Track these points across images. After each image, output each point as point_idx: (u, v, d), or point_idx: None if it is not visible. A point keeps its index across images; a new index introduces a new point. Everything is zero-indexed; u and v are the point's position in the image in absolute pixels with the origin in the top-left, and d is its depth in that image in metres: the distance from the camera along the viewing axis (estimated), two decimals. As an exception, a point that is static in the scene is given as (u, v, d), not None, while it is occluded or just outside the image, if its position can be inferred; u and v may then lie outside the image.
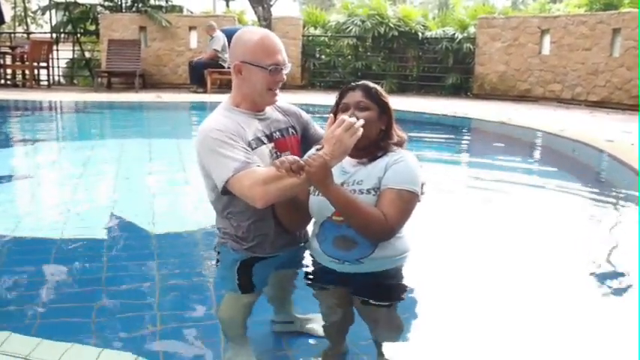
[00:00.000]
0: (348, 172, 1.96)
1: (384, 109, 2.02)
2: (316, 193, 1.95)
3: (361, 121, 1.87)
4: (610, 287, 2.54)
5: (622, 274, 2.65)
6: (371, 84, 2.02)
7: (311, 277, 2.09)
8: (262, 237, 2.05)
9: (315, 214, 2.02)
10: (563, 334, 2.02)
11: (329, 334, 2.02)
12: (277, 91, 2.13)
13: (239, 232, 2.06)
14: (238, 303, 2.04)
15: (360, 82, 2.04)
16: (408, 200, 1.92)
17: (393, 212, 1.88)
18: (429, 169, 4.89)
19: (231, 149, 1.99)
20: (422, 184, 2.00)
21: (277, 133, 2.17)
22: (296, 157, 1.84)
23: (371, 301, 1.97)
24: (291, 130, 2.22)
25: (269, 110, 2.19)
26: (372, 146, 1.98)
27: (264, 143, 2.09)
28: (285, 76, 2.11)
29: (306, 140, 2.23)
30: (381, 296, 1.98)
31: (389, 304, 1.99)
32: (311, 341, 2.02)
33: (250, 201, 1.92)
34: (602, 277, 2.64)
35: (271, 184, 1.86)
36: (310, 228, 2.08)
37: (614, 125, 7.65)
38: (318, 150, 1.88)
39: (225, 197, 2.03)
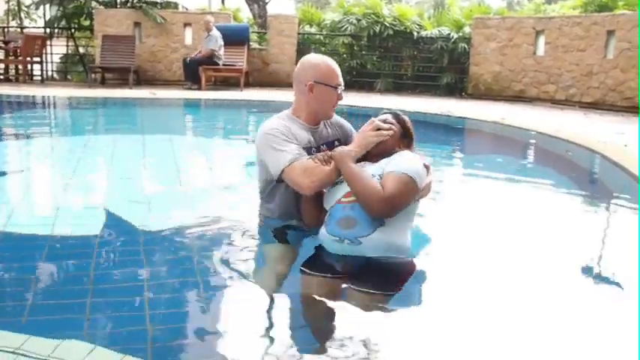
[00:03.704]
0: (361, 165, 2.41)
1: (405, 134, 2.54)
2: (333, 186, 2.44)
3: (388, 130, 2.44)
4: (607, 286, 2.54)
5: (616, 274, 2.66)
6: (402, 114, 2.60)
7: (312, 264, 2.40)
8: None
9: (328, 201, 2.45)
10: (560, 336, 2.02)
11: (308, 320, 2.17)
12: (335, 108, 2.72)
13: (274, 216, 2.78)
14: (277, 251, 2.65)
15: (393, 110, 2.64)
16: (405, 182, 2.27)
17: (390, 187, 2.24)
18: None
19: (286, 145, 2.54)
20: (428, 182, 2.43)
21: (324, 145, 2.73)
22: (327, 152, 2.49)
23: (365, 289, 2.16)
24: (336, 142, 2.77)
25: (320, 125, 2.77)
26: (385, 156, 2.43)
27: (311, 153, 2.59)
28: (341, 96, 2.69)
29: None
30: (376, 286, 2.18)
31: (382, 293, 2.07)
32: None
33: (299, 187, 2.51)
34: (598, 276, 2.64)
35: (313, 173, 2.43)
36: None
37: (608, 127, 7.68)
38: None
39: (270, 189, 2.72)
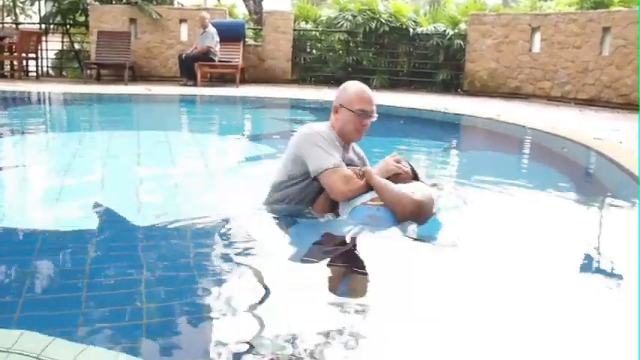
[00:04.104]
0: None
1: (415, 177, 3.02)
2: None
3: (407, 167, 3.00)
4: (606, 284, 2.55)
5: (615, 271, 2.66)
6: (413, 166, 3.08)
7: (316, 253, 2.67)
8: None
9: (346, 205, 2.86)
10: (559, 336, 2.02)
11: None
12: (362, 133, 2.98)
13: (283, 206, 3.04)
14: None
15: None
16: (430, 197, 2.84)
17: (420, 196, 2.75)
18: (420, 165, 4.90)
19: (332, 150, 2.86)
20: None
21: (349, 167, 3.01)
22: (360, 168, 2.95)
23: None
24: (357, 169, 3.01)
25: (349, 146, 3.07)
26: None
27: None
28: (369, 123, 2.95)
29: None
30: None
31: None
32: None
33: (335, 191, 2.85)
34: (596, 274, 2.65)
35: (351, 183, 2.82)
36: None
37: (603, 123, 7.69)
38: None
39: (292, 184, 2.97)
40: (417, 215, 2.73)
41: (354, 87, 2.99)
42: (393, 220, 2.73)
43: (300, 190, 3.00)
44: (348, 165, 2.96)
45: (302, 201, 3.02)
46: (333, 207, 2.96)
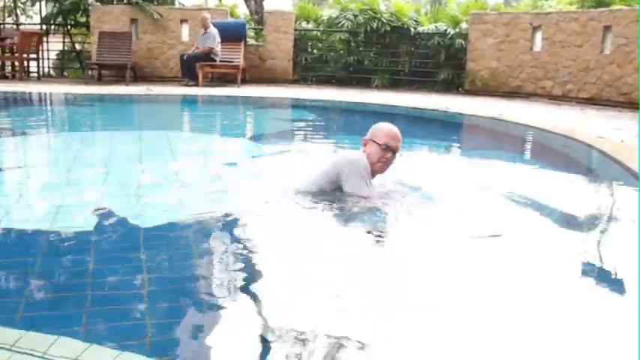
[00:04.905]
0: None
1: None
2: None
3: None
4: (605, 284, 2.55)
5: (615, 271, 2.66)
6: None
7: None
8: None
9: None
10: (558, 337, 2.02)
11: None
12: (385, 167, 3.32)
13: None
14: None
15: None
16: None
17: None
18: (421, 165, 4.89)
19: (369, 181, 3.25)
20: None
21: None
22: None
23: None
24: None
25: (375, 178, 3.36)
26: None
27: None
28: (392, 159, 3.31)
29: None
30: None
31: None
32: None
33: None
34: (596, 274, 2.64)
35: None
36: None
37: (605, 122, 7.69)
38: None
39: (318, 195, 3.27)
40: None
41: (384, 125, 3.39)
42: None
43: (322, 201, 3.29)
44: None
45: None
46: None
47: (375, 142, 3.30)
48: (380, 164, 3.30)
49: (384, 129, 3.35)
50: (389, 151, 3.29)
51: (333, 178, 3.27)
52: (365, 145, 3.35)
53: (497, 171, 4.87)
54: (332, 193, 3.27)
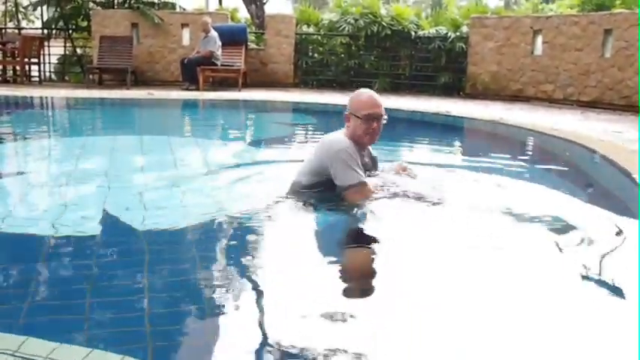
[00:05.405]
0: None
1: None
2: None
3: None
4: (605, 288, 2.54)
5: (615, 276, 2.66)
6: None
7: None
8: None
9: None
10: (557, 338, 2.02)
11: None
12: (374, 136, 3.18)
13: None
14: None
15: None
16: None
17: None
18: (421, 168, 4.89)
19: (357, 166, 3.08)
20: None
21: (367, 172, 3.25)
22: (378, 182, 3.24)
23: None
24: (367, 172, 3.27)
25: (365, 151, 3.29)
26: None
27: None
28: (379, 126, 3.15)
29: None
30: None
31: None
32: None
33: (350, 202, 3.10)
34: (595, 278, 2.64)
35: (370, 198, 3.11)
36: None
37: (605, 125, 7.69)
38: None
39: (312, 187, 3.20)
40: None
41: (360, 94, 3.21)
42: None
43: (321, 191, 3.23)
44: (365, 171, 3.22)
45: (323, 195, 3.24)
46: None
47: (356, 116, 3.14)
48: (368, 136, 3.18)
49: (361, 99, 3.19)
50: (373, 120, 3.13)
51: (321, 171, 3.16)
52: (347, 120, 3.21)
53: (496, 174, 4.86)
54: (326, 183, 3.16)
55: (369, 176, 3.27)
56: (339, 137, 3.19)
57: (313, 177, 3.22)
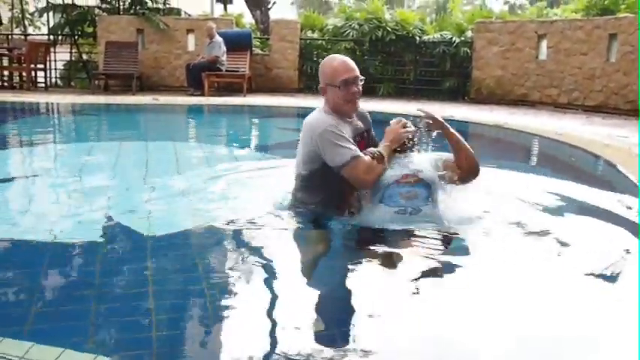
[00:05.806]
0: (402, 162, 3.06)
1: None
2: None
3: (412, 128, 3.10)
4: (606, 291, 2.54)
5: (617, 281, 2.65)
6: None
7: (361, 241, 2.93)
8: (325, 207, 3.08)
9: (384, 180, 2.94)
10: (557, 340, 2.02)
11: None
12: (356, 101, 2.98)
13: (311, 203, 3.10)
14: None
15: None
16: None
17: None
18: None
19: (345, 142, 2.88)
20: None
21: (358, 137, 3.06)
22: (374, 150, 2.94)
23: None
24: (365, 133, 3.16)
25: (353, 117, 3.08)
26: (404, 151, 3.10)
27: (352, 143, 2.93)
28: (358, 90, 2.95)
29: (367, 140, 3.16)
30: None
31: None
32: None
33: (361, 182, 2.93)
34: (599, 282, 2.64)
35: (374, 172, 2.88)
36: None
37: (610, 130, 7.67)
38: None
39: (315, 179, 3.01)
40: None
41: (331, 61, 3.04)
42: (428, 194, 2.99)
43: (323, 182, 3.04)
44: (355, 136, 3.05)
45: (325, 202, 3.10)
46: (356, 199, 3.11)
47: (332, 85, 2.95)
48: (349, 103, 2.99)
49: (334, 66, 2.99)
50: (351, 85, 2.94)
51: (314, 157, 2.99)
52: (324, 93, 3.03)
53: (499, 177, 4.86)
54: (324, 167, 2.97)
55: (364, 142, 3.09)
56: (318, 117, 3.04)
57: (310, 165, 3.05)
